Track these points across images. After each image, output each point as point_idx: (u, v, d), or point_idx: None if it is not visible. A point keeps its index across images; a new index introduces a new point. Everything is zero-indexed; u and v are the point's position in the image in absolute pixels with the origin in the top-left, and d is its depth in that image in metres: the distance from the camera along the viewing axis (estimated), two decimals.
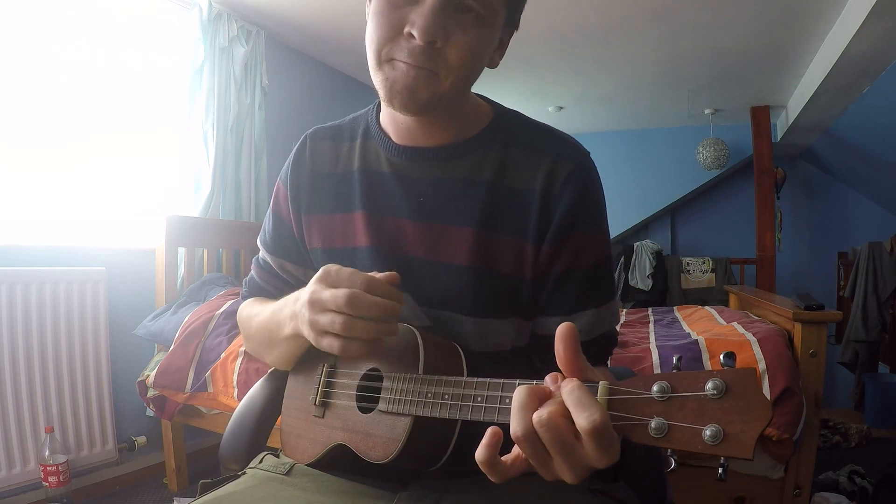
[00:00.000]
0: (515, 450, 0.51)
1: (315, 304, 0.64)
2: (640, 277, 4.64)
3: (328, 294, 0.63)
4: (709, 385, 0.41)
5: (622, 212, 5.10)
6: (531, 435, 0.47)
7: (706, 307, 2.81)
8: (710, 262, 4.56)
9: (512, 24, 0.76)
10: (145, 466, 2.44)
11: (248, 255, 2.87)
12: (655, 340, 1.93)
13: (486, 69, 0.75)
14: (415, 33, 0.64)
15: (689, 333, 2.02)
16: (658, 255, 4.69)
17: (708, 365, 1.66)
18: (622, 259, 4.75)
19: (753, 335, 1.72)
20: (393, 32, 0.67)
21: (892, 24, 2.43)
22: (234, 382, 1.93)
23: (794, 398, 1.50)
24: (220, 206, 2.78)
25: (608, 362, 0.85)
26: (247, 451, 0.89)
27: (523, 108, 0.85)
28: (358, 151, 0.81)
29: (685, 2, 2.73)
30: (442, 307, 0.76)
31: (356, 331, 0.62)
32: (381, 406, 0.69)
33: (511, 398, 0.51)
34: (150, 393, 2.15)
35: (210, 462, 2.63)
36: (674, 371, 0.45)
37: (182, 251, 2.53)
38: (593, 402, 0.45)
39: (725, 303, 3.48)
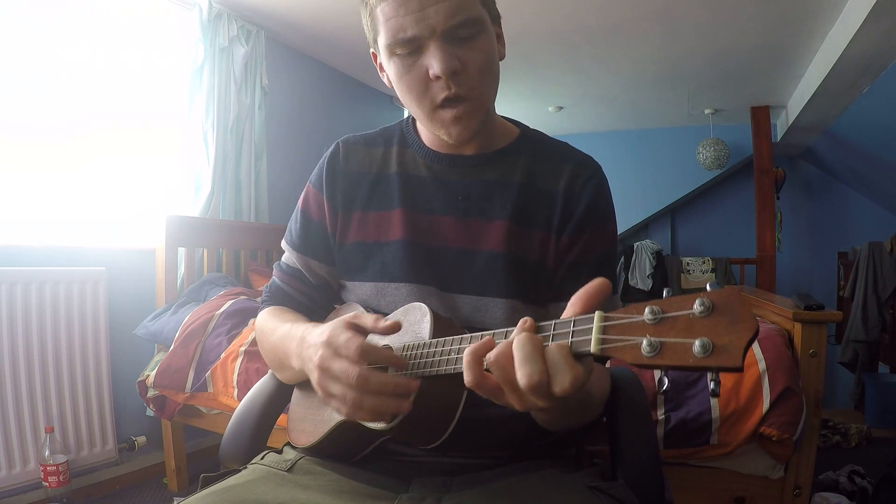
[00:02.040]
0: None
1: (326, 372, 0.67)
2: (640, 277, 4.64)
3: (338, 367, 0.65)
4: (696, 304, 0.44)
5: (622, 212, 5.02)
6: (481, 381, 0.55)
7: None
8: (710, 262, 4.57)
9: (495, 17, 0.83)
10: (145, 466, 2.44)
11: (249, 255, 2.87)
12: None
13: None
14: (439, 74, 0.75)
15: None
16: (658, 255, 4.69)
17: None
18: (622, 259, 4.75)
19: None
20: (422, 84, 0.77)
21: (892, 24, 2.43)
22: (234, 382, 1.93)
23: (794, 398, 1.50)
24: (220, 206, 2.78)
25: (608, 361, 0.86)
26: (247, 452, 0.90)
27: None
28: (395, 157, 0.90)
29: (685, 2, 2.73)
30: (476, 293, 0.83)
31: (366, 407, 0.64)
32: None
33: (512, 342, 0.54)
34: (150, 393, 2.15)
35: (210, 462, 2.63)
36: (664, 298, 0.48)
37: (182, 251, 2.53)
38: (536, 357, 0.50)
39: None
